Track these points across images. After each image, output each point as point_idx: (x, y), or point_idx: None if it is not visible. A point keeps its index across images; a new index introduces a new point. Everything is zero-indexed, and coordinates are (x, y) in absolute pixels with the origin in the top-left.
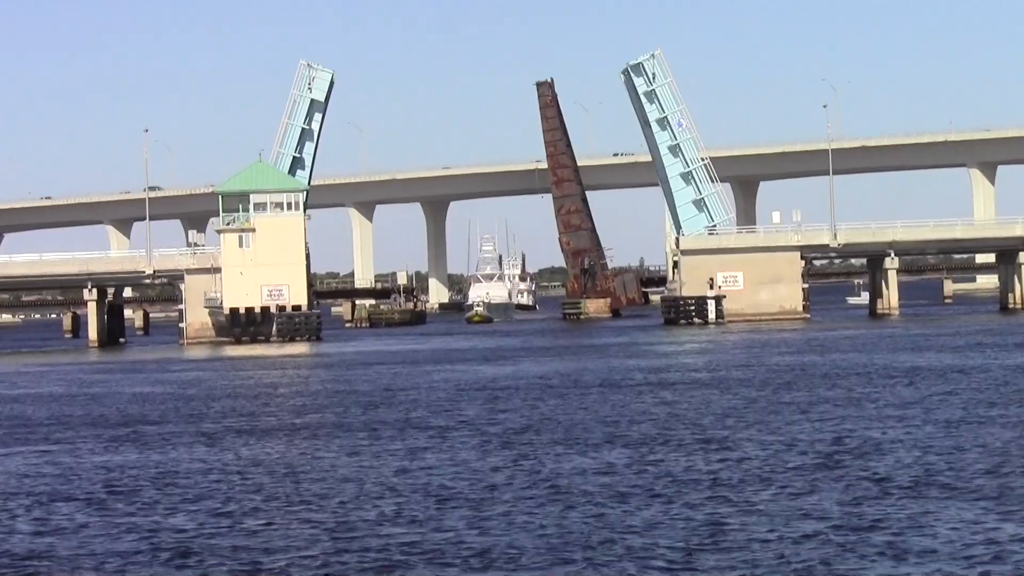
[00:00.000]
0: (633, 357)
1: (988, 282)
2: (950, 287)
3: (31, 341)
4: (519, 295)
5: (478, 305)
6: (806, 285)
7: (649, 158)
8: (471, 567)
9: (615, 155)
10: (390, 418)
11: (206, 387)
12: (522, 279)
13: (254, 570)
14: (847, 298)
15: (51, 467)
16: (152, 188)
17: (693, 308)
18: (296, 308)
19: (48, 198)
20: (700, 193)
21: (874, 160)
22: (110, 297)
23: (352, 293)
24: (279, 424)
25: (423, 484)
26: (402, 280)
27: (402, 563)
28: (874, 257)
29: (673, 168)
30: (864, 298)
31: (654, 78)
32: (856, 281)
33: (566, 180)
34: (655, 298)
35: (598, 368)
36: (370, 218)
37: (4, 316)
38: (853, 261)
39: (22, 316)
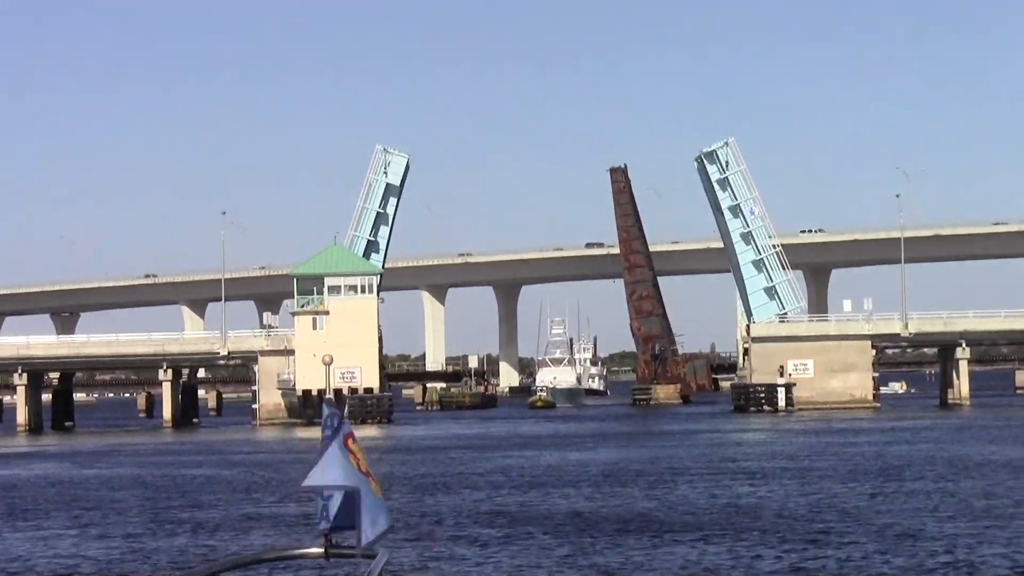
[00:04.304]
0: (709, 446)
1: None
2: (1022, 377)
3: (108, 420)
4: (590, 379)
5: (542, 390)
6: (876, 374)
7: (721, 244)
8: None
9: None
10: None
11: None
12: (593, 363)
13: None
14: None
15: None
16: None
17: (763, 395)
18: (368, 391)
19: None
20: (771, 281)
21: (947, 249)
22: (184, 377)
23: (423, 376)
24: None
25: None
26: (473, 363)
27: None
28: (945, 347)
29: (745, 255)
30: (892, 387)
31: (727, 166)
32: (928, 371)
33: (638, 265)
34: (725, 385)
35: (680, 456)
36: (442, 300)
37: (79, 395)
38: (925, 350)
39: (96, 395)
